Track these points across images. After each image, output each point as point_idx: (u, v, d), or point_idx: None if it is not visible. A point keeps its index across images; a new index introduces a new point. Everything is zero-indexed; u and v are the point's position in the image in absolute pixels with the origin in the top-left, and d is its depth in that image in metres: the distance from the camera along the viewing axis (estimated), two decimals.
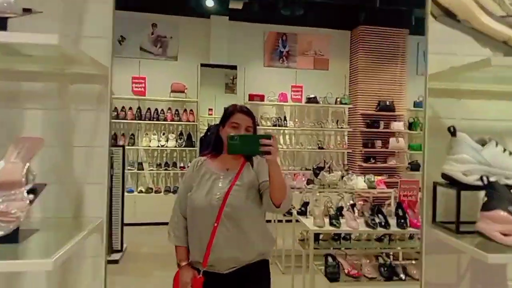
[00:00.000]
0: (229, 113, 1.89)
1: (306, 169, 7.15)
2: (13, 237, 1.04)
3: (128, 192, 6.68)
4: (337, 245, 3.59)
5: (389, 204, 4.34)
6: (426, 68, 1.38)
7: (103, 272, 1.33)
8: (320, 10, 7.46)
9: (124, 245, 5.20)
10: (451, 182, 1.30)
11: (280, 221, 4.82)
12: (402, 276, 3.24)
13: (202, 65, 7.42)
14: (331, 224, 3.37)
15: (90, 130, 1.35)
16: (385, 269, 3.27)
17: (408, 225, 3.36)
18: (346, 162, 7.95)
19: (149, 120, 7.22)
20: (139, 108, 7.26)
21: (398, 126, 7.54)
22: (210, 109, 7.60)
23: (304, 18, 7.48)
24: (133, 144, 7.19)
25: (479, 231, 1.17)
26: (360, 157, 7.58)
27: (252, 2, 7.09)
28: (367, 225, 3.36)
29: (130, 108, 7.20)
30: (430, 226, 1.36)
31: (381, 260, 3.39)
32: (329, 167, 5.21)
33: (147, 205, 6.72)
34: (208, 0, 7.23)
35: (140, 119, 7.22)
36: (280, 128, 7.61)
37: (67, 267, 1.34)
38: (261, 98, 7.47)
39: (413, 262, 3.48)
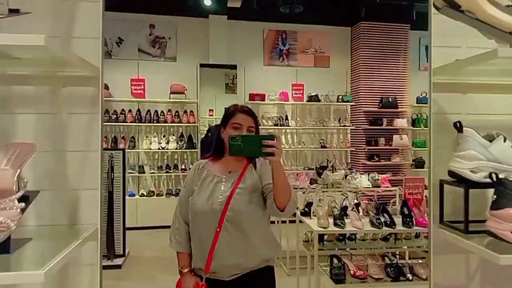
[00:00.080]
0: (230, 113, 1.84)
1: (309, 169, 7.10)
2: (4, 248, 1.01)
3: (130, 195, 6.66)
4: (342, 245, 3.54)
5: (394, 203, 4.29)
6: (430, 62, 1.34)
7: (99, 280, 1.30)
8: (320, 6, 7.42)
9: (127, 250, 5.17)
10: (459, 180, 1.26)
11: (283, 222, 4.78)
12: (409, 276, 3.20)
13: (201, 65, 7.37)
14: (335, 224, 3.32)
15: (83, 133, 1.32)
16: (392, 269, 3.22)
17: (414, 223, 3.31)
18: (349, 161, 7.90)
19: (149, 122, 7.18)
20: (138, 110, 7.22)
21: (401, 122, 7.48)
22: (211, 110, 7.54)
23: (304, 15, 7.43)
24: (133, 147, 7.16)
25: (488, 231, 1.13)
26: (364, 155, 7.53)
27: (251, 0, 7.04)
28: (372, 224, 3.31)
29: (130, 111, 7.16)
30: (438, 226, 1.32)
31: (387, 260, 3.34)
32: (332, 166, 5.17)
33: (149, 209, 6.70)
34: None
35: (140, 122, 7.18)
36: (281, 127, 7.55)
37: (62, 274, 1.32)
38: (262, 97, 7.42)
39: (420, 261, 3.43)
